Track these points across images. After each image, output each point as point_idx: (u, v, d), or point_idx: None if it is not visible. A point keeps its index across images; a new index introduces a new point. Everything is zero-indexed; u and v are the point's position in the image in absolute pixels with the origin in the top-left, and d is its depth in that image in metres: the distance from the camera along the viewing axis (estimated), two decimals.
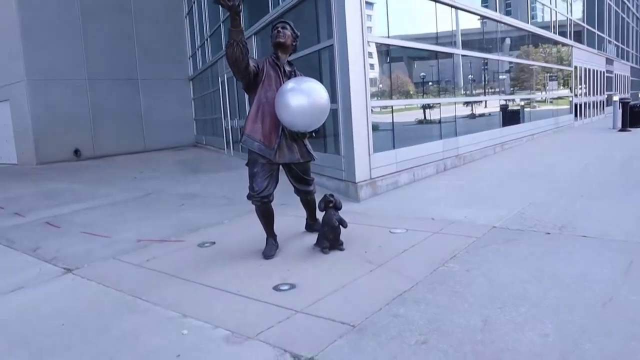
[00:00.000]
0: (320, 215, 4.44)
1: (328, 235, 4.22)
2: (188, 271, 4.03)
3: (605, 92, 23.33)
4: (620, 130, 14.20)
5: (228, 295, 3.50)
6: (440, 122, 8.55)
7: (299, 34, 4.33)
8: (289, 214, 5.49)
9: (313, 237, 4.49)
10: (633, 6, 31.21)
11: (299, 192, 4.55)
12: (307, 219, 4.93)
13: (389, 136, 7.18)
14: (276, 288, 3.54)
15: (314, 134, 4.20)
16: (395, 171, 7.07)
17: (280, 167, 4.27)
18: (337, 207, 4.25)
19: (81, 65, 16.14)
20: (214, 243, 4.81)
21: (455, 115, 9.06)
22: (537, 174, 7.47)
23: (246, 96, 4.41)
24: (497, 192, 6.34)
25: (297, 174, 4.35)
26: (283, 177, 4.39)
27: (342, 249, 4.27)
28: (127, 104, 17.34)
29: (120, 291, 3.73)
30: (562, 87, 16.44)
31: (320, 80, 7.20)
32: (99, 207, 7.13)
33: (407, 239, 4.49)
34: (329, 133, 7.12)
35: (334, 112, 6.61)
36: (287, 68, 4.22)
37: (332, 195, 4.23)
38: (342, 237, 4.30)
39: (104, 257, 4.62)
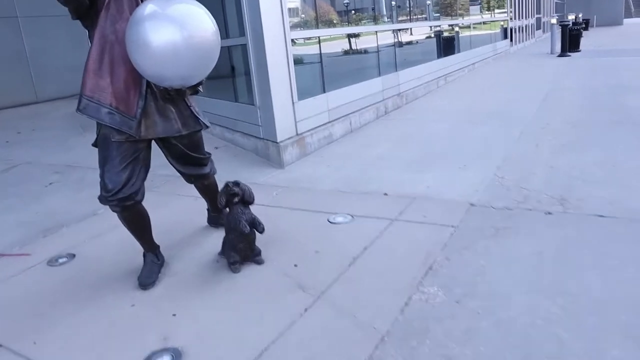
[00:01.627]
0: None
1: (236, 244, 2.75)
2: (8, 329, 2.48)
3: (535, 15, 22.56)
4: (559, 56, 13.31)
5: None
6: (378, 55, 7.07)
7: None
8: (186, 194, 3.91)
9: (219, 236, 2.99)
10: None
11: (189, 179, 3.01)
12: (208, 210, 3.43)
13: (317, 77, 5.65)
14: None
15: (200, 88, 2.61)
16: (328, 121, 5.61)
17: (154, 143, 2.71)
18: (247, 202, 2.77)
19: None
20: (73, 256, 3.24)
21: (395, 46, 7.61)
22: (495, 114, 6.25)
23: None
24: (456, 143, 5.04)
25: (181, 153, 2.79)
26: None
27: (259, 262, 2.83)
28: (8, 47, 14.50)
29: None
30: (495, 11, 15.25)
31: (221, 8, 5.52)
32: None
33: (354, 234, 3.10)
34: (239, 73, 5.50)
35: (243, 49, 4.99)
36: None
37: (236, 184, 2.73)
38: (260, 237, 2.85)
39: None
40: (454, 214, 3.22)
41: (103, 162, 2.48)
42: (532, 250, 2.65)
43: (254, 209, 2.84)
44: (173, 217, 3.67)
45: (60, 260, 3.18)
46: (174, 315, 2.41)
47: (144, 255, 2.83)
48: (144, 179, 2.60)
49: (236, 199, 2.71)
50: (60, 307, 2.61)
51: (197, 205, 3.64)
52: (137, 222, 2.70)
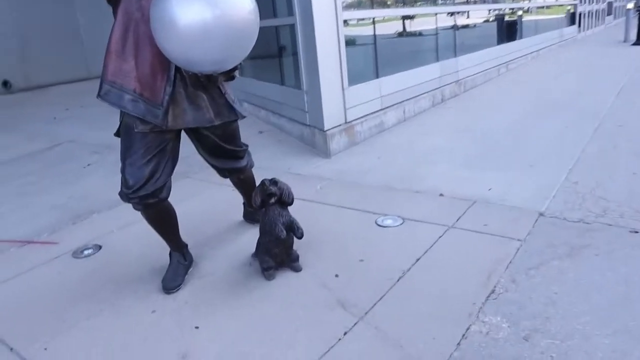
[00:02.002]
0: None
1: (271, 248, 2.45)
2: (23, 328, 2.29)
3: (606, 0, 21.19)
4: (634, 44, 12.31)
5: None
6: (436, 39, 6.60)
7: None
8: (224, 183, 3.56)
9: (255, 234, 2.65)
10: None
11: (223, 173, 2.72)
12: (244, 204, 3.15)
13: (370, 61, 5.26)
14: None
15: (235, 74, 2.29)
16: (380, 109, 5.23)
17: (183, 133, 2.43)
18: (285, 202, 2.46)
19: None
20: (99, 248, 3.04)
21: (454, 30, 7.11)
22: (563, 107, 5.69)
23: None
24: (520, 137, 4.57)
25: (214, 145, 2.49)
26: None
27: (296, 269, 2.53)
28: (63, 24, 14.63)
29: None
30: None
31: None
32: None
33: (405, 241, 2.75)
34: (287, 55, 5.19)
35: (291, 29, 4.66)
36: None
37: (274, 183, 2.42)
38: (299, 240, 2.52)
39: None
40: (520, 224, 2.81)
41: (124, 155, 2.22)
42: (616, 278, 2.24)
43: (294, 202, 2.52)
44: (207, 209, 3.43)
45: (86, 252, 2.98)
46: (197, 327, 2.15)
47: (170, 256, 2.57)
48: (170, 173, 2.33)
49: (273, 200, 2.40)
50: (79, 307, 2.40)
51: (234, 196, 3.35)
52: (162, 220, 2.44)
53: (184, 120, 2.24)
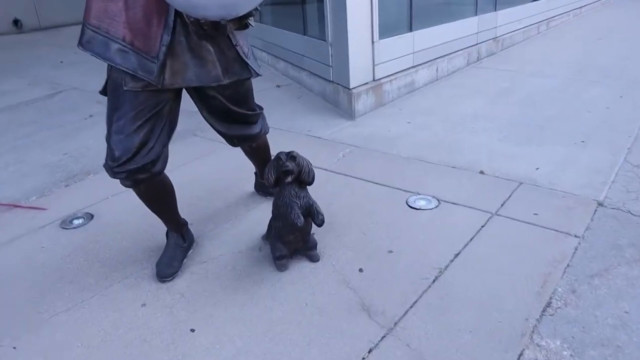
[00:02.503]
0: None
1: (284, 235, 2.07)
2: None
3: None
4: None
5: None
6: None
7: None
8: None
9: (267, 210, 2.29)
10: None
11: (232, 141, 2.30)
12: (256, 174, 2.76)
13: (404, 11, 4.72)
14: None
15: (249, 22, 1.83)
16: (412, 66, 4.73)
17: (184, 92, 2.02)
18: (305, 182, 2.06)
19: None
20: (91, 217, 2.69)
21: None
22: (612, 72, 5.13)
23: None
24: (567, 106, 4.07)
25: (221, 108, 2.07)
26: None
27: (313, 259, 2.16)
28: None
29: None
30: None
31: None
32: None
33: (441, 229, 2.36)
34: (310, 0, 4.67)
35: None
36: None
37: (292, 157, 2.01)
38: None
39: None
40: (576, 216, 2.40)
41: (111, 119, 1.81)
42: None
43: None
44: (213, 175, 3.05)
45: (76, 222, 2.64)
46: (192, 331, 1.80)
47: (167, 235, 2.21)
48: (167, 142, 1.92)
49: (290, 178, 2.00)
50: (59, 294, 2.08)
51: (246, 162, 2.93)
52: (156, 198, 2.06)
53: (184, 78, 1.82)
